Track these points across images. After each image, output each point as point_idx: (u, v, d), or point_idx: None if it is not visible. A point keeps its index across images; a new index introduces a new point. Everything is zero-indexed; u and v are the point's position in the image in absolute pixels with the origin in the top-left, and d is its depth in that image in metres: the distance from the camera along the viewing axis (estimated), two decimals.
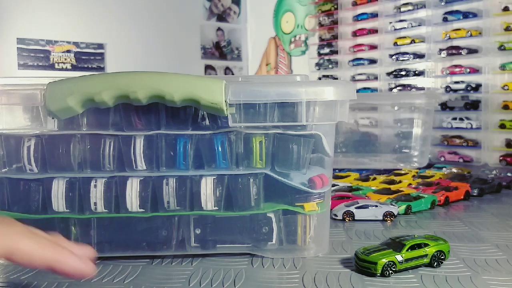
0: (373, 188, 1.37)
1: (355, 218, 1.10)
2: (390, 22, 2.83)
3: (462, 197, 1.32)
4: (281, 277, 0.75)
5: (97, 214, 0.81)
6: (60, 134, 0.80)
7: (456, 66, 2.48)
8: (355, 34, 3.10)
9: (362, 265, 0.75)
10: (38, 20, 3.25)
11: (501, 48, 2.25)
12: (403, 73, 2.75)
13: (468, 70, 2.41)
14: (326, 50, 3.34)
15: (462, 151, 2.42)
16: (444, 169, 1.80)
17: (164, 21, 3.74)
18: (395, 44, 2.78)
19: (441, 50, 2.54)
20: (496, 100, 2.31)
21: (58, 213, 0.81)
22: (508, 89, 2.24)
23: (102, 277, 0.75)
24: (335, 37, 3.25)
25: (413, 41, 2.70)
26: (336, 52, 3.25)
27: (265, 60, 4.09)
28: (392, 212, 1.10)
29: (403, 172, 1.67)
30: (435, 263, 0.77)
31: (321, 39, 3.42)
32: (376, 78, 2.95)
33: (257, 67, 4.17)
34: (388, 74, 2.83)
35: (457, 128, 2.43)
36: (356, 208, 1.11)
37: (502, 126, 2.25)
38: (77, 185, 0.81)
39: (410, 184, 1.45)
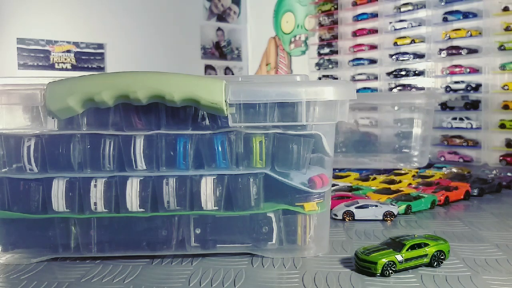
0: (373, 188, 1.37)
1: (355, 218, 1.10)
2: (390, 22, 2.83)
3: (462, 197, 1.32)
4: (281, 277, 0.75)
5: (97, 214, 0.82)
6: (60, 134, 0.80)
7: (456, 66, 2.48)
8: (355, 34, 3.10)
9: (362, 265, 0.75)
10: (38, 20, 3.25)
11: (501, 48, 2.25)
12: (403, 73, 2.75)
13: (468, 70, 2.41)
14: (326, 50, 3.34)
15: (462, 151, 2.42)
16: (444, 169, 1.80)
17: (164, 21, 3.73)
18: (395, 44, 2.78)
19: (441, 50, 2.54)
20: (496, 100, 2.31)
21: (58, 213, 0.81)
22: (508, 89, 2.24)
23: (102, 277, 0.75)
24: (335, 37, 3.25)
25: (413, 41, 2.70)
26: (336, 52, 3.25)
27: (265, 60, 4.09)
28: (392, 212, 1.10)
29: (403, 172, 1.67)
30: (435, 263, 0.77)
31: (321, 39, 3.42)
32: (376, 78, 2.95)
33: (257, 67, 4.17)
34: (388, 74, 2.83)
35: (457, 128, 2.43)
36: (356, 208, 1.11)
37: (502, 126, 2.25)
38: (77, 185, 0.81)
39: (410, 184, 1.45)
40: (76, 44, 3.41)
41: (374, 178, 1.53)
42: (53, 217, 0.81)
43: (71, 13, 3.38)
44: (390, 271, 0.74)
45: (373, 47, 2.99)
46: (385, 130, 2.11)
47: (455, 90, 2.47)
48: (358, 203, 1.12)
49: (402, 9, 2.76)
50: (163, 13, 3.76)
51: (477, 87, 2.39)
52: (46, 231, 0.83)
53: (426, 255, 0.77)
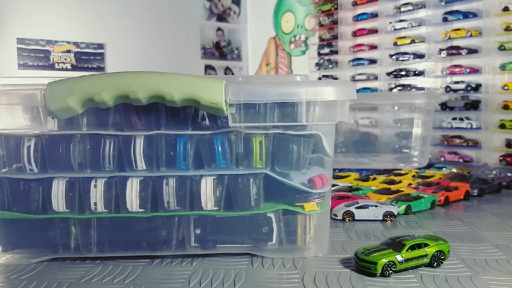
0: (373, 188, 1.37)
1: (355, 218, 1.10)
2: (390, 22, 2.83)
3: (462, 197, 1.32)
4: (281, 277, 0.75)
5: (97, 214, 0.81)
6: (60, 134, 0.80)
7: (456, 66, 2.48)
8: (355, 34, 3.10)
9: (362, 265, 0.75)
10: (38, 20, 3.25)
11: (501, 48, 2.25)
12: (403, 73, 2.75)
13: (468, 70, 2.41)
14: (326, 50, 3.34)
15: (462, 151, 2.42)
16: (444, 169, 1.80)
17: (164, 21, 3.74)
18: (395, 44, 2.78)
19: (441, 50, 2.54)
20: (496, 100, 2.31)
21: (58, 213, 0.81)
22: (508, 89, 2.24)
23: (102, 277, 0.75)
24: (335, 37, 3.25)
25: (413, 41, 2.69)
26: (336, 52, 3.25)
27: (265, 60, 4.09)
28: (392, 212, 1.10)
29: (403, 172, 1.67)
30: (435, 263, 0.77)
31: (321, 39, 3.42)
32: (376, 78, 2.95)
33: (257, 67, 4.17)
34: (388, 74, 2.83)
35: (457, 128, 2.43)
36: (356, 208, 1.11)
37: (502, 126, 2.25)
38: (77, 185, 0.81)
39: (410, 184, 1.45)
40: (76, 44, 3.41)
41: (374, 178, 1.53)
42: (53, 217, 0.81)
43: (71, 13, 3.38)
44: (390, 271, 0.74)
45: (373, 47, 2.99)
46: (385, 130, 2.11)
47: (455, 90, 2.47)
48: (358, 203, 1.12)
49: (402, 9, 2.76)
50: (163, 13, 3.76)
51: (477, 87, 2.39)
52: (46, 231, 0.83)
53: (426, 255, 0.77)
